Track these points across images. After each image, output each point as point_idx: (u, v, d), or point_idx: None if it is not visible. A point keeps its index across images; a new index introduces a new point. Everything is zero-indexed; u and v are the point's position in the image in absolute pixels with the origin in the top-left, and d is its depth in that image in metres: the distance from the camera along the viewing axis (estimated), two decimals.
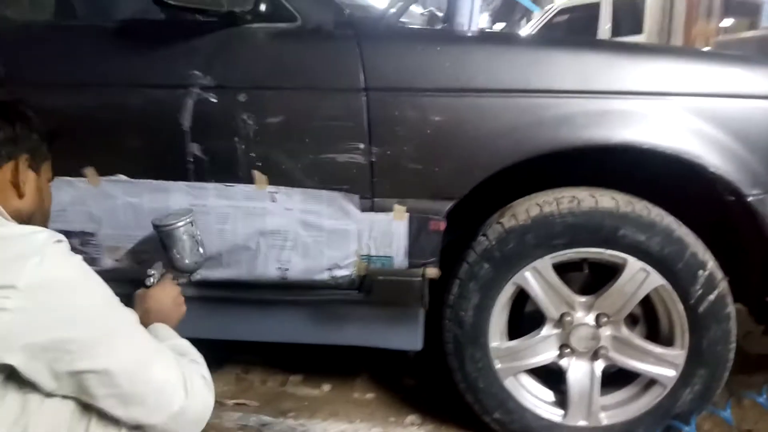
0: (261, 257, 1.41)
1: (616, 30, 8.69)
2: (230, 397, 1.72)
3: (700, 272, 1.27)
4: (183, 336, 1.07)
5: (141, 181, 1.39)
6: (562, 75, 1.27)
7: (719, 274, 1.30)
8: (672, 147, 1.23)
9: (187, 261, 1.30)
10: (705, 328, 1.31)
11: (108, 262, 1.47)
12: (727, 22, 6.85)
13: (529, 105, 1.26)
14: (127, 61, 1.38)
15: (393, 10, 1.44)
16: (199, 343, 1.05)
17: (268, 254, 1.40)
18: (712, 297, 1.29)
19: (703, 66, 1.31)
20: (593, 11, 8.86)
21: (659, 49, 1.59)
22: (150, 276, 1.22)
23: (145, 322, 1.05)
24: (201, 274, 1.44)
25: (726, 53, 1.66)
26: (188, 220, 1.29)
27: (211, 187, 1.37)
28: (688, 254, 1.27)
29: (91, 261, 1.44)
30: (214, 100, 1.33)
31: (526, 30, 9.96)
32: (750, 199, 1.24)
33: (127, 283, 1.28)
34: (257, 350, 1.89)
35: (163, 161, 1.38)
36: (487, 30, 1.56)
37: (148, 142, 1.38)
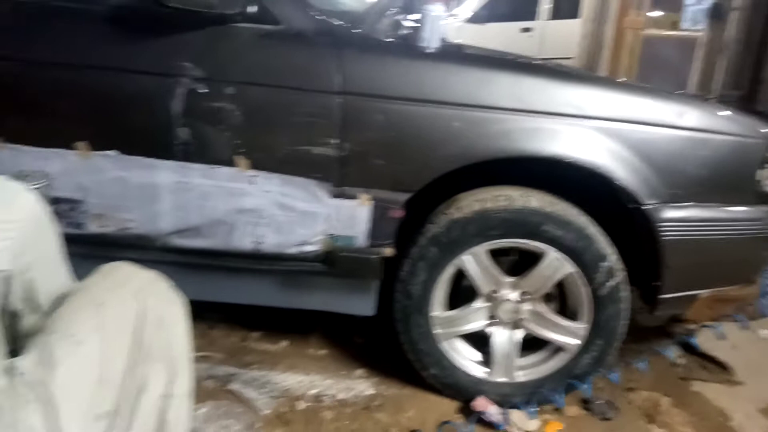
0: (238, 231, 1.59)
1: (556, 12, 9.09)
2: (197, 350, 1.91)
3: (604, 263, 1.57)
4: None
5: (131, 157, 1.54)
6: (504, 95, 1.51)
7: (619, 265, 1.60)
8: (589, 161, 1.51)
9: None
10: (604, 307, 1.62)
11: (92, 227, 1.62)
12: (656, 13, 7.28)
13: (476, 118, 1.50)
14: (123, 47, 1.51)
15: (369, 20, 1.62)
16: None
17: (244, 229, 1.59)
18: (611, 283, 1.59)
19: (617, 95, 1.58)
20: None
21: (584, 78, 1.86)
22: None
23: None
24: (180, 243, 1.62)
25: (636, 85, 1.95)
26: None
27: (197, 167, 1.54)
28: (595, 248, 1.56)
29: (76, 226, 1.60)
30: (204, 91, 1.49)
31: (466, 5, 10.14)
32: (646, 207, 1.54)
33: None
34: (219, 308, 2.07)
35: (153, 142, 1.53)
36: (448, 47, 1.77)
37: (140, 124, 1.53)
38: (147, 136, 1.54)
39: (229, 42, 1.52)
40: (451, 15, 10.09)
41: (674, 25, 6.29)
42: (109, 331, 0.93)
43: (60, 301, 0.97)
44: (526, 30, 9.09)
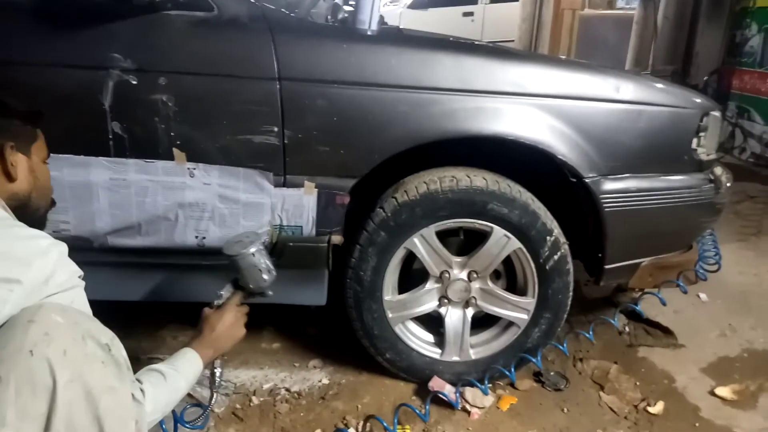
0: (180, 227, 1.55)
1: None
2: (145, 353, 1.85)
3: (548, 238, 1.60)
4: (100, 299, 1.17)
5: (61, 156, 1.46)
6: (446, 75, 1.51)
7: (562, 239, 1.64)
8: (530, 138, 1.52)
9: (255, 284, 1.39)
10: (551, 281, 1.65)
11: None
12: None
13: (419, 100, 1.49)
14: (48, 41, 1.43)
15: (304, 4, 1.58)
16: (110, 304, 1.20)
17: (186, 224, 1.55)
18: (556, 257, 1.63)
19: (556, 72, 1.60)
20: None
21: (522, 56, 1.88)
22: (219, 297, 1.38)
23: (209, 339, 1.25)
24: (119, 242, 1.56)
25: (572, 61, 1.99)
26: (258, 247, 1.36)
27: (132, 162, 1.48)
28: (540, 223, 1.59)
29: None
30: (135, 82, 1.43)
31: None
32: (587, 180, 1.58)
33: None
34: (167, 308, 2.02)
35: (84, 138, 1.46)
36: (387, 29, 1.75)
37: (69, 120, 1.45)
38: (78, 133, 1.47)
39: (160, 31, 1.46)
40: (394, 1, 10.09)
41: (610, 5, 6.44)
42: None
43: None
44: (468, 14, 9.17)
